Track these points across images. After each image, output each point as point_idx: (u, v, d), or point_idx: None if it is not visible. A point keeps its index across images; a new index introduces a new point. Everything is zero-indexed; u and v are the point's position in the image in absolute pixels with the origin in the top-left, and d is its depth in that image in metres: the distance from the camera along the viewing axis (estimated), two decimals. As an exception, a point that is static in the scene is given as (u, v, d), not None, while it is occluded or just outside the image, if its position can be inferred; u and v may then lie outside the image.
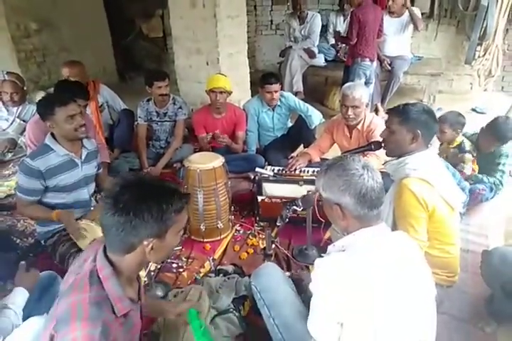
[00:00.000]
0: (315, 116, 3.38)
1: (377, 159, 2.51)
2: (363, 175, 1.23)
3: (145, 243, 1.09)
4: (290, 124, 3.67)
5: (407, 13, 4.54)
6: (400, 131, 1.79)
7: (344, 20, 5.09)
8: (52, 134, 2.16)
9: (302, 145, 3.54)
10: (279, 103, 3.42)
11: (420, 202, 1.68)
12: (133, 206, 1.05)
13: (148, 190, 1.10)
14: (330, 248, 1.34)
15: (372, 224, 1.26)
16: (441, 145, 3.06)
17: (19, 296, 1.53)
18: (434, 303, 1.28)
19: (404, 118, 1.78)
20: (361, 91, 2.66)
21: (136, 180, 1.13)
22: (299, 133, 3.49)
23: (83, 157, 2.24)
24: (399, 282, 1.18)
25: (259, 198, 2.62)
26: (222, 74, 3.37)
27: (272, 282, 1.63)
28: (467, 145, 2.89)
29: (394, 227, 1.78)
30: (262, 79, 3.29)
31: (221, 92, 3.20)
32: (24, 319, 1.46)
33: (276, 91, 3.30)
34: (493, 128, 2.78)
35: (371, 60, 4.18)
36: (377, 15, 4.12)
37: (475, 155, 2.88)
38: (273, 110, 3.48)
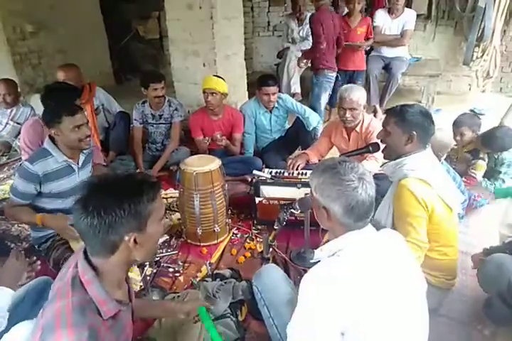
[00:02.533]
0: (313, 118, 3.36)
1: (377, 162, 2.49)
2: (357, 187, 1.20)
3: (126, 238, 1.07)
4: (288, 126, 3.64)
5: (405, 14, 4.54)
6: (395, 132, 1.80)
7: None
8: (51, 138, 2.12)
9: (300, 148, 3.52)
10: (276, 105, 3.40)
11: (420, 202, 1.67)
12: (102, 205, 1.04)
13: (114, 186, 1.09)
14: (318, 253, 1.32)
15: (359, 228, 1.25)
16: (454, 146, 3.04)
17: (2, 297, 1.48)
18: (425, 298, 1.27)
19: (399, 120, 1.78)
20: (359, 93, 2.64)
21: (101, 180, 1.12)
22: (296, 136, 3.47)
23: (80, 163, 2.22)
24: (394, 283, 1.18)
25: (257, 200, 2.59)
26: (218, 76, 3.34)
27: (272, 283, 1.63)
28: (483, 151, 2.89)
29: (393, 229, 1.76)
30: (260, 81, 3.27)
31: (212, 93, 3.17)
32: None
33: (274, 94, 3.28)
34: (486, 137, 2.81)
35: (334, 71, 3.98)
36: (335, 22, 3.84)
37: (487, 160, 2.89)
38: (270, 112, 3.45)
